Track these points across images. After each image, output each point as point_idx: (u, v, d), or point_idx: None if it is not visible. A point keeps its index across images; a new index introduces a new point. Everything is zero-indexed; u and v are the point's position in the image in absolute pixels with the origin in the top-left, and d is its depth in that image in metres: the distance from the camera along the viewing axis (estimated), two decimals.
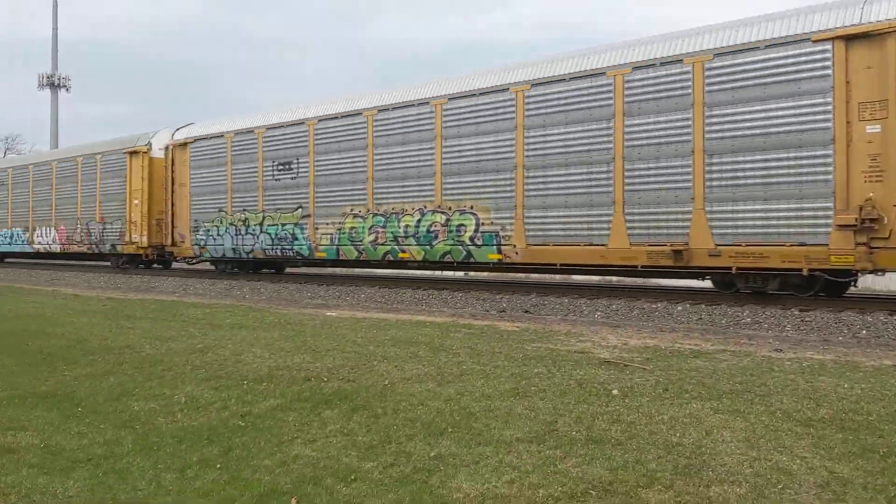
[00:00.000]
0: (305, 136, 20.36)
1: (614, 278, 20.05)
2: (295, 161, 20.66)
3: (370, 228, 18.66)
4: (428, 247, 17.35)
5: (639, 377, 6.77)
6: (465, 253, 16.69)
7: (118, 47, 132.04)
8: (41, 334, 10.26)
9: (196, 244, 23.73)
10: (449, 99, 17.05)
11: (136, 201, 26.07)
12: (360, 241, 18.89)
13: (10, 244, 33.66)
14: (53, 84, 54.31)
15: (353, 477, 4.66)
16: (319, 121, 19.99)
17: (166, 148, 24.71)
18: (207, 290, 20.01)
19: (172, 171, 24.45)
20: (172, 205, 24.51)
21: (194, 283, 21.85)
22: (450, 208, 16.92)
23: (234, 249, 22.35)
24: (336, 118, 19.52)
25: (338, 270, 24.36)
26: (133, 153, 26.24)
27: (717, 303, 13.19)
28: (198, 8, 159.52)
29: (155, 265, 27.95)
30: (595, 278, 20.24)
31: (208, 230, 23.20)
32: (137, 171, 26.12)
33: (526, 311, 14.01)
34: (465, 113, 16.72)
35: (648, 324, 11.73)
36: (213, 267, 25.75)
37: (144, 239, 25.92)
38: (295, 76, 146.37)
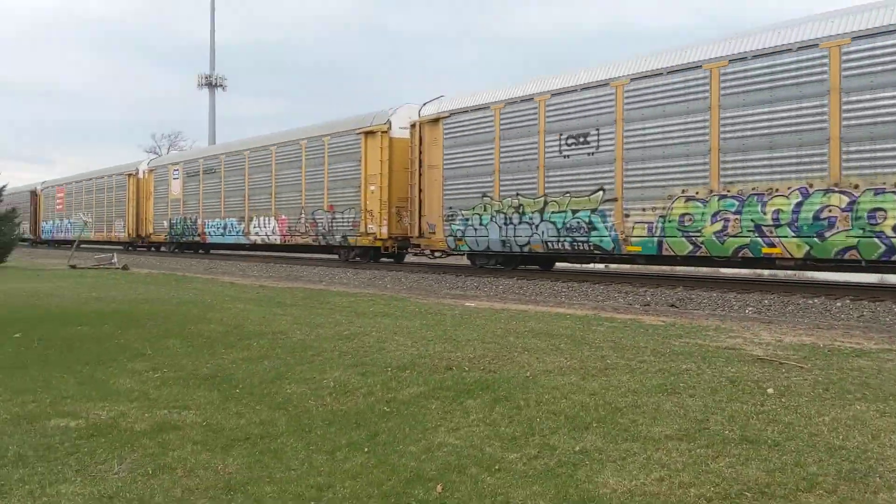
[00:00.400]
0: (610, 101, 16.79)
1: (765, 272, 19.05)
2: (594, 132, 17.10)
3: (715, 215, 14.83)
4: (816, 239, 13.29)
5: (796, 376, 6.39)
6: (884, 248, 12.49)
7: (270, 46, 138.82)
8: (202, 319, 10.90)
9: (451, 235, 20.62)
10: (854, 39, 12.78)
11: (372, 187, 23.61)
12: (699, 231, 15.10)
13: (223, 235, 31.85)
14: (211, 84, 57.82)
15: (496, 467, 4.65)
16: (632, 80, 16.38)
17: (412, 126, 22.04)
18: (351, 280, 20.67)
19: (420, 152, 21.67)
20: (420, 190, 21.68)
21: (339, 272, 22.62)
22: (856, 186, 12.79)
23: (502, 242, 18.98)
24: (658, 75, 15.89)
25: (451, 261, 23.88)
26: (369, 133, 23.78)
27: (881, 299, 12.28)
28: (346, 6, 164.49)
29: (382, 259, 25.63)
30: (745, 271, 19.33)
31: (467, 219, 19.98)
32: (374, 154, 23.57)
33: (671, 305, 13.58)
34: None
35: (804, 320, 11.06)
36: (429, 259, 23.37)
37: (384, 229, 23.34)
38: (439, 69, 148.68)
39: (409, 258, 26.30)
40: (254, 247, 30.97)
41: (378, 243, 23.69)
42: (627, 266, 22.37)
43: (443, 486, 4.42)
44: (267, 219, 28.90)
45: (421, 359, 7.58)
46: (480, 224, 19.64)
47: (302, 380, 7.11)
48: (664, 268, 21.64)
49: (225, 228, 31.65)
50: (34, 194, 56.55)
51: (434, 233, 21.17)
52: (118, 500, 4.37)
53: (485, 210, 19.47)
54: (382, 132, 23.32)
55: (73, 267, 26.24)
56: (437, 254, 22.65)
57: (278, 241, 28.43)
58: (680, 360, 7.23)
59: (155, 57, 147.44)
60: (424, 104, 21.96)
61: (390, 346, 8.39)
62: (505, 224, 18.81)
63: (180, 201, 36.00)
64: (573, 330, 9.45)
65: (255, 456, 5.09)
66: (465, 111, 20.39)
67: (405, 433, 5.41)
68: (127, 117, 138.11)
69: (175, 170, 36.83)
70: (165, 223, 37.22)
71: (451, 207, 20.53)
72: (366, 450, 5.10)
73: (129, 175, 40.98)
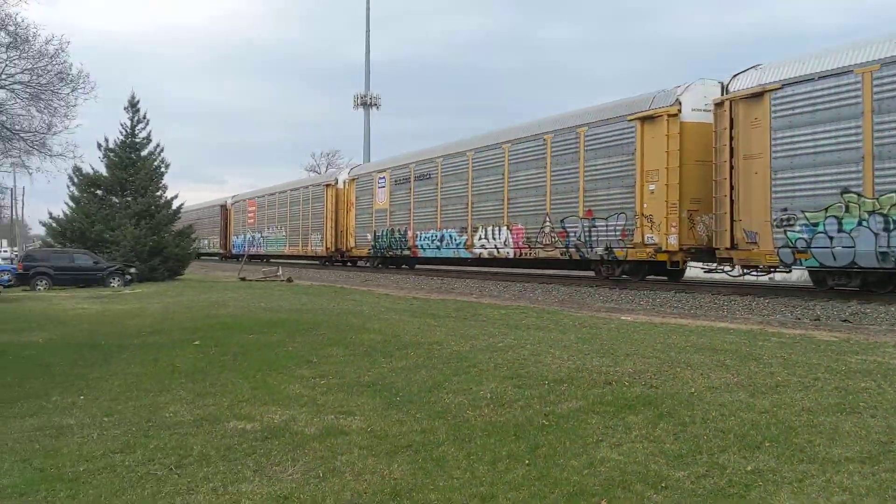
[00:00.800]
0: None
1: None
2: None
3: None
4: None
5: None
6: None
7: (420, 63, 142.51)
8: (361, 329, 11.30)
9: (787, 246, 15.58)
10: None
11: (651, 186, 18.77)
12: None
13: (438, 248, 27.81)
14: (366, 103, 59.98)
15: (663, 484, 4.52)
16: None
17: (716, 106, 17.38)
18: (501, 293, 20.77)
19: (732, 138, 16.77)
20: (732, 188, 16.80)
21: (490, 285, 22.79)
22: None
23: (881, 255, 13.84)
24: None
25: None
26: (647, 119, 18.93)
27: None
28: (488, 20, 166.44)
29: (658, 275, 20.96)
30: None
31: (815, 224, 14.90)
32: (656, 144, 18.64)
33: (844, 321, 12.70)
34: None
35: None
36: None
37: (672, 239, 18.37)
38: (582, 77, 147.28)
39: (692, 272, 22.22)
40: (477, 261, 26.75)
41: (662, 256, 18.73)
42: (794, 277, 21.15)
43: (607, 501, 4.34)
44: (496, 229, 24.16)
45: (578, 373, 7.50)
46: (840, 230, 14.64)
47: (459, 390, 7.21)
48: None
49: (441, 241, 27.45)
50: (224, 208, 54.87)
51: (755, 243, 16.31)
52: (293, 500, 4.60)
53: (847, 210, 14.52)
54: (669, 116, 18.37)
55: (243, 279, 27.95)
56: (753, 271, 17.80)
57: (511, 255, 23.63)
58: (857, 379, 6.75)
59: (313, 79, 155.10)
60: (734, 76, 17.29)
61: (546, 358, 8.35)
62: (885, 229, 13.83)
63: (386, 212, 31.84)
64: (738, 345, 9.04)
65: (419, 463, 5.20)
66: (806, 79, 15.30)
67: (566, 447, 5.36)
68: (288, 138, 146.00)
69: (381, 177, 32.75)
70: (369, 236, 33.23)
71: (785, 209, 15.58)
72: (527, 462, 5.10)
73: (328, 185, 37.71)
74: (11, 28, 15.85)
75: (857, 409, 5.60)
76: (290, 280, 27.51)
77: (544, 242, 22.21)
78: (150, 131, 31.38)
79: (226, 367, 8.96)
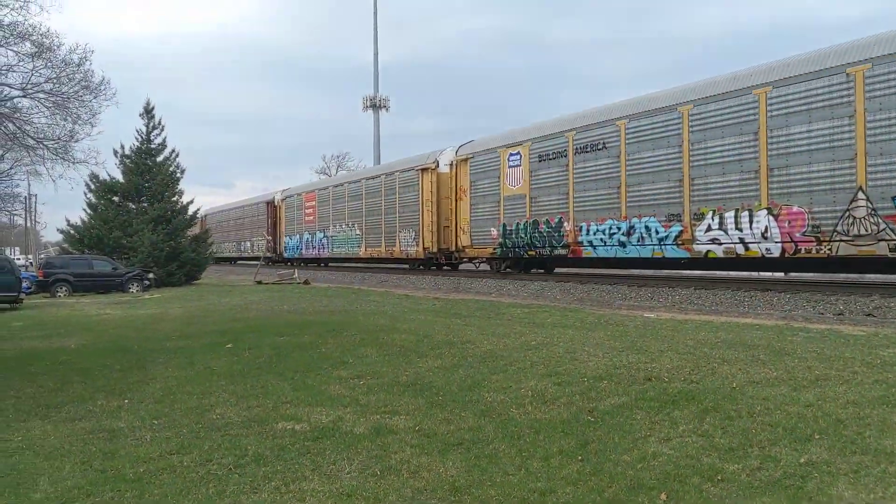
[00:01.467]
0: None
1: None
2: None
3: None
4: None
5: None
6: None
7: (429, 63, 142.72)
8: (391, 329, 11.41)
9: None
10: None
11: None
12: None
13: (622, 245, 19.83)
14: (375, 105, 60.18)
15: (718, 477, 4.60)
16: None
17: None
18: (520, 291, 20.83)
19: None
20: None
21: (507, 284, 22.83)
22: None
23: None
24: None
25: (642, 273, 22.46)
26: None
27: None
28: (497, 19, 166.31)
29: None
30: None
31: None
32: None
33: (868, 315, 12.75)
34: None
35: None
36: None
37: None
38: (594, 76, 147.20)
39: None
40: (698, 262, 18.82)
41: None
42: (810, 273, 21.15)
43: (666, 494, 4.43)
44: (744, 214, 16.53)
45: (616, 369, 7.58)
46: None
47: (499, 388, 7.31)
48: (851, 275, 20.24)
49: (629, 234, 19.57)
50: (272, 205, 47.05)
51: None
52: (357, 497, 4.70)
53: None
54: None
55: (259, 282, 28.11)
56: None
57: (776, 253, 16.12)
58: (895, 371, 6.83)
59: (321, 82, 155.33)
60: None
61: (581, 356, 8.44)
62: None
63: (525, 198, 24.06)
64: (768, 340, 9.11)
65: (472, 460, 5.30)
66: None
67: (615, 442, 5.45)
68: (296, 140, 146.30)
69: (513, 153, 24.84)
70: (494, 231, 25.46)
71: None
72: (579, 458, 5.19)
73: (424, 169, 29.77)
74: (35, 38, 16.03)
75: None
76: (307, 282, 27.65)
77: (854, 231, 14.58)
78: (166, 137, 31.66)
79: (262, 369, 9.07)
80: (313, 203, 40.86)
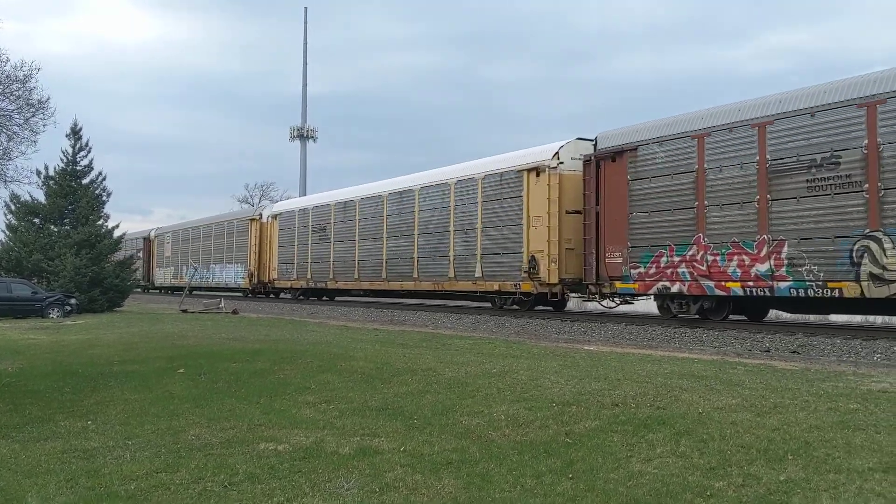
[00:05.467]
0: None
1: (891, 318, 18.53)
2: None
3: None
4: None
5: None
6: None
7: (358, 98, 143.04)
8: (346, 357, 11.43)
9: None
10: None
11: None
12: None
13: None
14: (302, 136, 59.96)
15: (708, 493, 4.89)
16: None
17: None
18: (455, 325, 21.06)
19: None
20: None
21: (442, 317, 23.05)
22: None
23: None
24: None
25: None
26: None
27: None
28: (434, 57, 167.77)
29: None
30: (858, 318, 18.95)
31: None
32: None
33: (794, 352, 13.48)
34: None
35: None
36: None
37: None
38: (523, 117, 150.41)
39: None
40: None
41: None
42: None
43: None
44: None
45: (582, 395, 7.87)
46: None
47: (472, 413, 7.48)
48: (771, 314, 21.28)
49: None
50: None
51: None
52: None
53: None
54: None
55: (185, 311, 27.46)
56: None
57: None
58: (843, 401, 7.33)
59: (250, 111, 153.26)
60: None
61: (544, 383, 8.71)
62: None
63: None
64: (714, 372, 9.59)
65: (465, 478, 5.44)
66: None
67: (599, 462, 5.69)
68: (218, 170, 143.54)
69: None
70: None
71: None
72: (570, 476, 5.41)
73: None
74: None
75: (860, 426, 6.13)
76: (235, 312, 27.18)
77: None
78: (93, 159, 30.75)
79: (224, 393, 8.98)
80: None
